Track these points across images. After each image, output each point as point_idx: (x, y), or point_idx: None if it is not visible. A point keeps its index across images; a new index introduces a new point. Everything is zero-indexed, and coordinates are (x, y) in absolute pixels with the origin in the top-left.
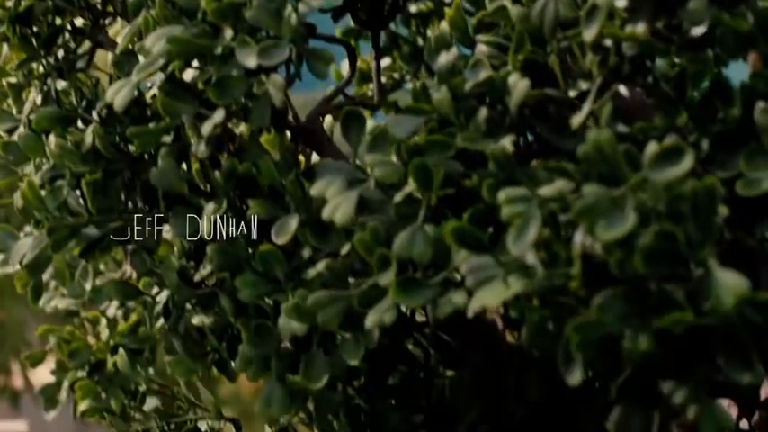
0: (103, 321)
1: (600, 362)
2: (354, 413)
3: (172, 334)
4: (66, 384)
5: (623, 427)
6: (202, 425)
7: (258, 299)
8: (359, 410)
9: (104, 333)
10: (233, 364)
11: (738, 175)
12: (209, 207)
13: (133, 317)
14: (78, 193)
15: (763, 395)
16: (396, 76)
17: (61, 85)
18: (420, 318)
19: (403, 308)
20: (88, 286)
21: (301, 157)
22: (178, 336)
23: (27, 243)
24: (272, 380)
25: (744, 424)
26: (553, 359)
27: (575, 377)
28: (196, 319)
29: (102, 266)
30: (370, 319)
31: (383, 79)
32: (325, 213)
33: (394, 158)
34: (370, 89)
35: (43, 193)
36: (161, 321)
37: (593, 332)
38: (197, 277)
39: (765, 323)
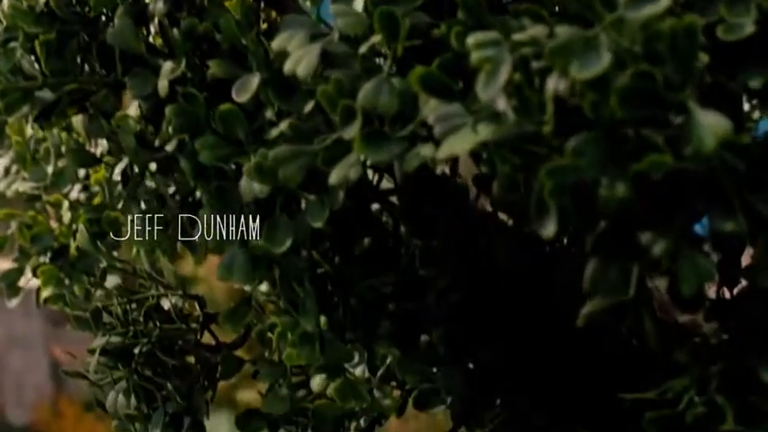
0: (66, 204)
1: (574, 211)
2: (320, 281)
3: (131, 202)
4: (28, 270)
5: (599, 281)
6: (165, 302)
7: (219, 161)
8: (325, 278)
9: (67, 216)
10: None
11: (719, 20)
12: (167, 66)
13: (96, 199)
14: (33, 58)
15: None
16: None
17: None
18: (388, 185)
19: (369, 174)
20: (50, 169)
21: (264, 26)
22: (137, 203)
23: None
24: (233, 245)
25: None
26: (525, 222)
27: (549, 229)
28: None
29: (63, 150)
30: (335, 176)
31: None
32: (287, 66)
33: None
34: None
35: None
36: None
37: (566, 177)
38: (157, 142)
39: (748, 170)
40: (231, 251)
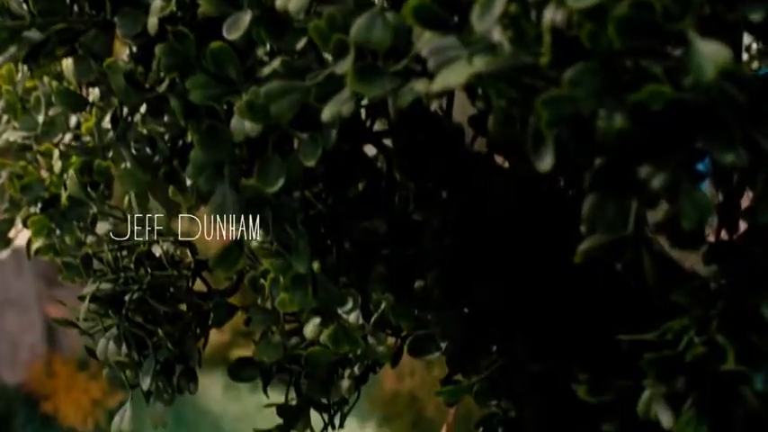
0: (57, 153)
1: (572, 143)
2: (313, 223)
3: (120, 144)
4: (18, 221)
5: (597, 217)
6: (156, 249)
7: (210, 100)
8: (318, 220)
9: (57, 166)
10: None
11: None
12: (157, 3)
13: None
14: None
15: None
16: None
17: None
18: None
19: (362, 115)
20: (41, 118)
21: None
22: (127, 146)
23: None
24: (224, 186)
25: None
26: (521, 161)
27: (545, 162)
28: (146, 128)
29: (54, 99)
30: (327, 112)
31: None
32: (279, 2)
33: None
34: None
35: None
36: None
37: (563, 107)
38: (147, 84)
39: (749, 103)
40: (222, 191)
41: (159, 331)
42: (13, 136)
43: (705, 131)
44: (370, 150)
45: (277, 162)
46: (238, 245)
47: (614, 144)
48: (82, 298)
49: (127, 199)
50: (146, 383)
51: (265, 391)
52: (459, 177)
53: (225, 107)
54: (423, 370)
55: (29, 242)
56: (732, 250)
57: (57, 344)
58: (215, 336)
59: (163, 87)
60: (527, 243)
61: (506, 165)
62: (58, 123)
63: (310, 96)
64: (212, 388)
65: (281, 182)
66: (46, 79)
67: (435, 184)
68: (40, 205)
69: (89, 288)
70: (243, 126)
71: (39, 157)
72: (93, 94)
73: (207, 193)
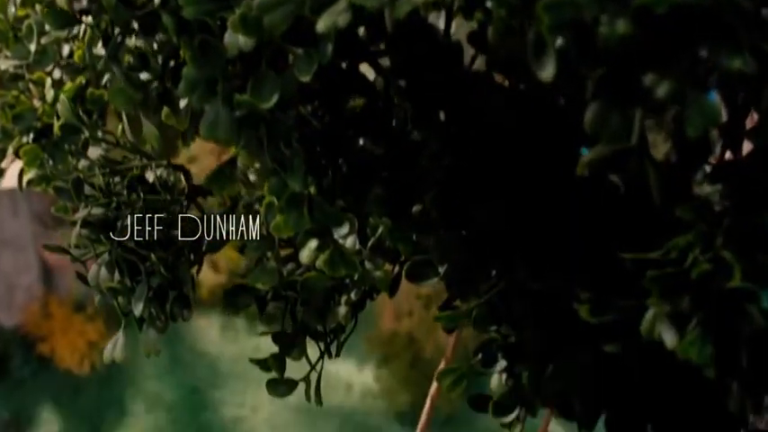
0: (49, 82)
1: (574, 50)
2: (309, 142)
3: (111, 62)
4: (10, 151)
5: (599, 126)
6: (150, 175)
7: (203, 15)
8: (313, 140)
9: (50, 95)
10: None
11: None
12: None
13: (80, 79)
14: None
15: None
16: None
17: None
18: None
19: (360, 33)
20: (33, 47)
21: None
22: (118, 63)
23: None
24: (217, 102)
25: None
26: (521, 77)
27: (547, 71)
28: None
29: (47, 27)
30: (323, 23)
31: None
32: None
33: None
34: None
35: None
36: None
37: (565, 12)
38: (139, 2)
39: (753, 8)
40: (215, 108)
41: (152, 256)
42: (5, 65)
43: (711, 37)
44: (368, 75)
45: (271, 78)
46: (232, 162)
47: (617, 51)
48: (74, 223)
49: (120, 126)
50: (138, 309)
51: (261, 319)
52: (457, 96)
53: (218, 23)
54: (421, 310)
55: (21, 173)
56: (736, 170)
57: (53, 285)
58: (211, 277)
59: (155, 3)
60: (526, 162)
61: (506, 83)
62: (50, 52)
63: (305, 8)
64: (209, 330)
65: (275, 98)
66: (38, 7)
67: (433, 103)
68: (32, 135)
69: (81, 213)
70: (236, 41)
71: (31, 86)
72: (87, 21)
73: (200, 111)
